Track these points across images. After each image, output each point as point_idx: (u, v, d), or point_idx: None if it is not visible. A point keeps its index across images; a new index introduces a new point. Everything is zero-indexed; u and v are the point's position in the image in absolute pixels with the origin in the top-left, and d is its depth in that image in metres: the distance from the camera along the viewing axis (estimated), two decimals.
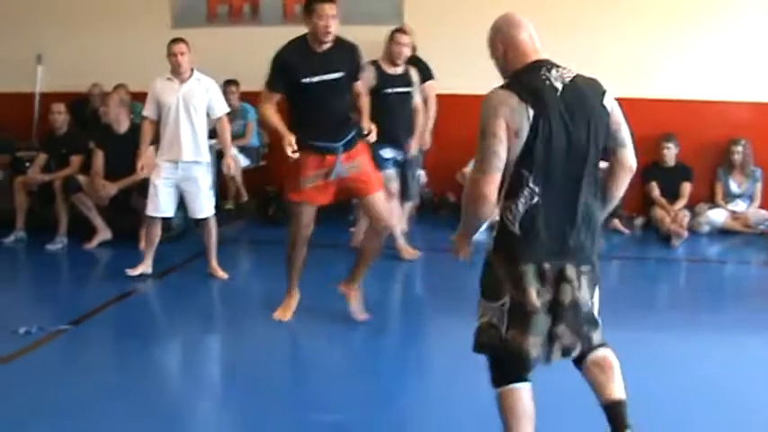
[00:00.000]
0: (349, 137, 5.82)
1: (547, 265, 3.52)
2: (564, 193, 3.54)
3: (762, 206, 9.44)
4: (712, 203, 9.41)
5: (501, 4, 8.59)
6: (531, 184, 3.49)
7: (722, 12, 9.51)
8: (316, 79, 5.61)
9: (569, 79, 3.55)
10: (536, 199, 3.50)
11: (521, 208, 3.51)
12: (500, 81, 3.68)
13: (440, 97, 8.90)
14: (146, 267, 7.40)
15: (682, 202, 9.32)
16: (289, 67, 5.64)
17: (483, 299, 3.67)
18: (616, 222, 9.22)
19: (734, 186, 9.43)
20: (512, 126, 3.44)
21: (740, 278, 8.21)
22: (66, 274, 8.14)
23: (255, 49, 10.00)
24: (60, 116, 8.84)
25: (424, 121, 8.11)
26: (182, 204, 8.35)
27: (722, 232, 9.24)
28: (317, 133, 5.68)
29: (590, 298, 3.67)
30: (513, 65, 3.65)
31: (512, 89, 3.51)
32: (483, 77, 9.29)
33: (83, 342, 5.97)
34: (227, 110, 7.49)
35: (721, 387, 5.07)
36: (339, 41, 5.76)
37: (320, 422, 4.57)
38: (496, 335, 3.58)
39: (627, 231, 9.23)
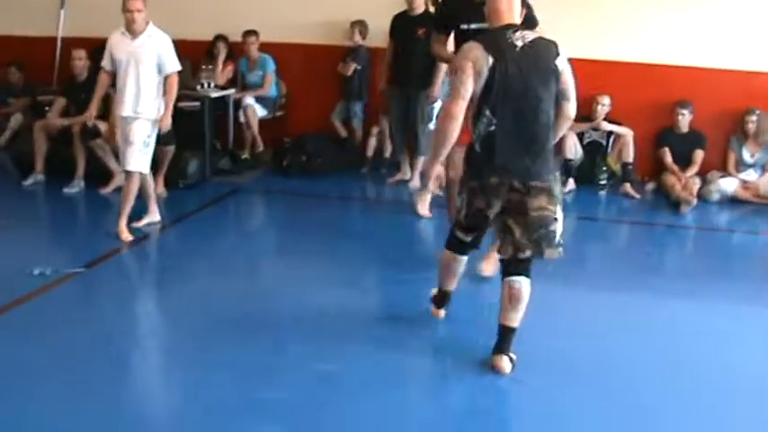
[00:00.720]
0: None
1: (494, 180, 4.65)
2: (518, 126, 4.61)
3: None
4: (724, 172, 9.44)
5: None
6: (488, 114, 4.60)
7: None
8: (473, 26, 5.83)
9: (529, 40, 4.64)
10: (492, 127, 4.61)
11: (481, 132, 4.64)
12: None
13: None
14: (151, 217, 7.47)
15: (693, 170, 9.34)
16: (450, 13, 6.14)
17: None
18: (627, 187, 9.28)
19: (747, 156, 9.44)
20: (476, 68, 4.57)
21: (748, 247, 8.26)
22: (82, 217, 8.28)
23: (276, 0, 10.18)
24: (81, 62, 8.93)
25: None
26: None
27: (733, 201, 9.24)
28: None
29: (544, 209, 4.66)
30: (491, 26, 4.79)
31: (480, 42, 4.65)
32: None
33: (95, 285, 6.11)
34: (179, 68, 7.26)
35: (718, 354, 5.21)
36: None
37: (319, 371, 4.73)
38: (460, 214, 4.97)
39: (637, 196, 9.25)
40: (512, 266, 4.74)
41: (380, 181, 9.42)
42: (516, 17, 4.77)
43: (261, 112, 9.97)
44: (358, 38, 9.84)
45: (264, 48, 10.10)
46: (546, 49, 4.66)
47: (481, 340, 5.01)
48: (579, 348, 5.18)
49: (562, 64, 4.66)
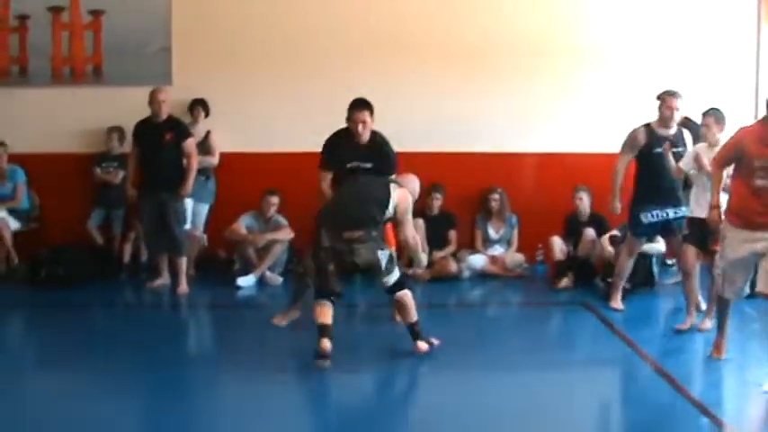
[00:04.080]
0: None
1: None
2: None
3: (518, 250, 10.08)
4: (473, 249, 9.98)
5: (273, 64, 9.16)
6: None
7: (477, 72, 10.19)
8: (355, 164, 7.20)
9: None
10: None
11: None
12: None
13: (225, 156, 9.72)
14: None
15: (450, 248, 9.91)
16: (338, 155, 7.29)
17: None
18: None
19: (492, 232, 10.02)
20: None
21: (501, 319, 8.76)
22: None
23: (24, 110, 10.02)
24: None
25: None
26: None
27: (482, 276, 9.81)
28: None
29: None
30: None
31: None
32: (263, 134, 9.70)
33: None
34: None
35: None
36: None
37: None
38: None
39: None
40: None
41: (139, 287, 9.32)
42: None
43: (14, 224, 9.71)
44: (116, 144, 9.83)
45: (13, 159, 9.89)
46: None
47: None
48: None
49: None
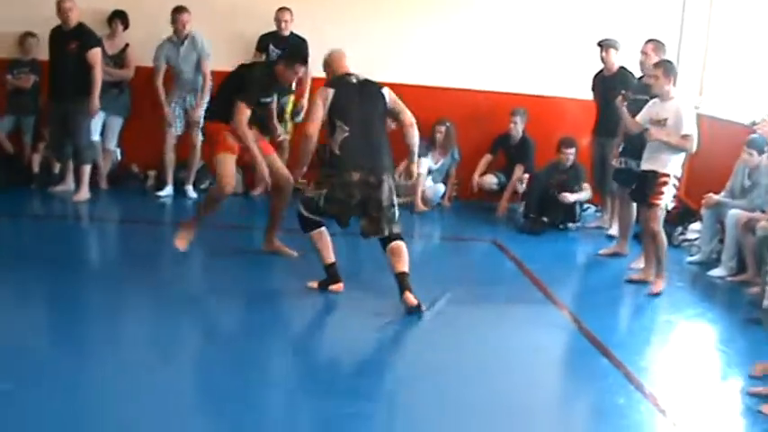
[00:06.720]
0: None
1: (356, 174, 6.26)
2: (363, 133, 6.33)
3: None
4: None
5: None
6: (341, 126, 6.31)
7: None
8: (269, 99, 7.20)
9: (362, 79, 6.53)
10: (346, 134, 6.29)
11: (338, 140, 6.29)
12: None
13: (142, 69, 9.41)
14: None
15: None
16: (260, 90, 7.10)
17: (311, 188, 6.53)
18: None
19: (431, 162, 9.82)
20: (326, 99, 6.38)
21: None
22: None
23: None
24: None
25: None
26: None
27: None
28: None
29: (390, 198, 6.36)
30: (335, 74, 6.60)
31: (328, 85, 6.52)
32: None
33: None
34: None
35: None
36: None
37: None
38: (315, 204, 6.38)
39: None
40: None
41: (48, 197, 9.06)
42: (349, 67, 6.61)
43: None
44: (29, 49, 9.45)
45: None
46: (372, 83, 6.55)
47: None
48: None
49: (386, 92, 6.49)
